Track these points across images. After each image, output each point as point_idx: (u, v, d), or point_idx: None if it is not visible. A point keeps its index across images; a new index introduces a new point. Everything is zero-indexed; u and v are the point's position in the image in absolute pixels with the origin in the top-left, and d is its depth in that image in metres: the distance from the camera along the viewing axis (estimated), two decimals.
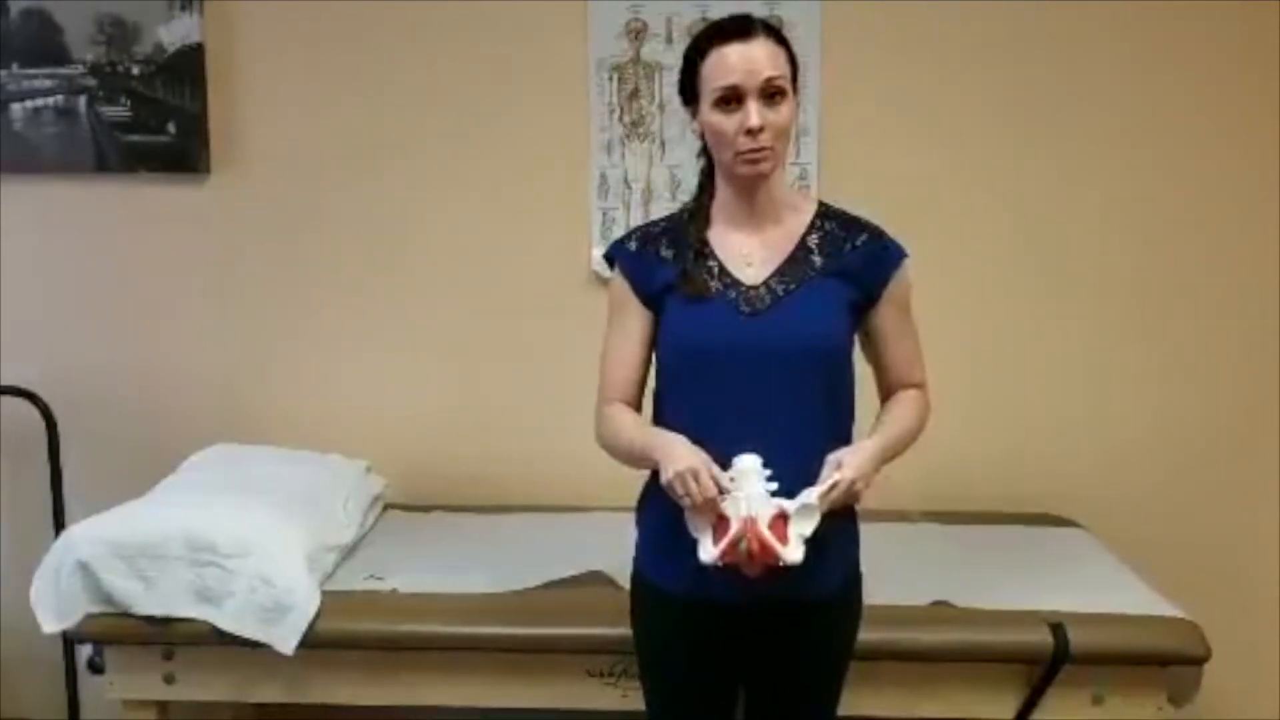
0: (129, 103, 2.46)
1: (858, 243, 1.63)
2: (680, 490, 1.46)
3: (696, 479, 1.45)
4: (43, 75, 2.46)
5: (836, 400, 1.62)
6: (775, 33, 1.58)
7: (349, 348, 2.54)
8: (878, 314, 1.66)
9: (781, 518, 1.47)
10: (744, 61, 1.52)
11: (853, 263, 1.62)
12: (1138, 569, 2.11)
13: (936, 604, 1.93)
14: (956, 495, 2.45)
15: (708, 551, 1.47)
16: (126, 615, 1.91)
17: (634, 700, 1.82)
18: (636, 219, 2.43)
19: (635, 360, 1.63)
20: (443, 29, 2.45)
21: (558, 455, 2.16)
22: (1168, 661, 1.86)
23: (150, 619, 1.90)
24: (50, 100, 2.47)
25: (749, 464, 1.48)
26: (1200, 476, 2.48)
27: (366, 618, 1.92)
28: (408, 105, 2.47)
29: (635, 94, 2.44)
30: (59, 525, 2.40)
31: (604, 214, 2.48)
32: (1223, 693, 2.07)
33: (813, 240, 1.62)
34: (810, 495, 1.48)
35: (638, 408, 1.64)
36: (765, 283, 1.59)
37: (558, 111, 2.46)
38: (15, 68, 2.47)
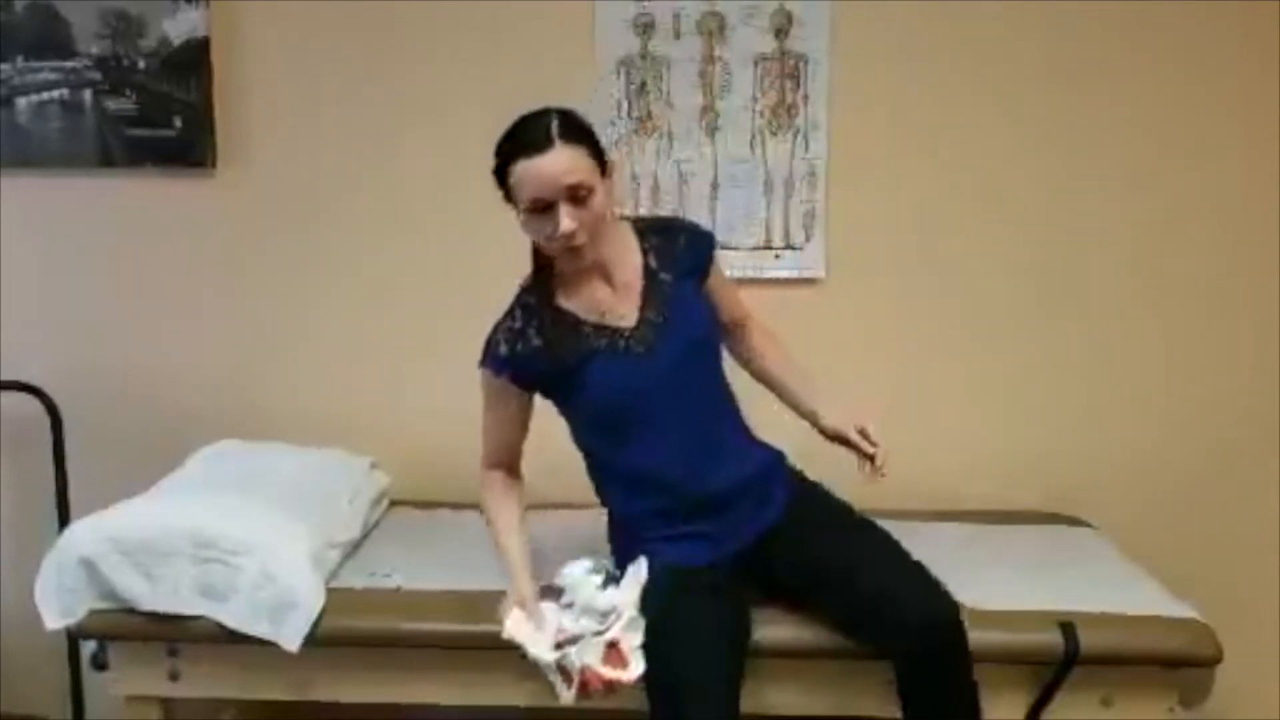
0: (134, 96, 2.45)
1: (681, 242, 1.85)
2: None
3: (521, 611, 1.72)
4: (48, 69, 2.45)
5: (721, 369, 1.88)
6: (573, 132, 1.68)
7: (354, 344, 2.53)
8: (710, 281, 1.90)
9: (613, 646, 1.66)
10: (546, 176, 1.64)
11: (685, 260, 1.83)
12: (1149, 569, 2.09)
13: None
14: (965, 494, 2.43)
15: (566, 698, 1.70)
16: (130, 612, 1.89)
17: (641, 699, 1.80)
18: (644, 214, 2.41)
19: (518, 434, 1.85)
20: (450, 23, 2.44)
21: (563, 452, 2.14)
22: (1179, 663, 1.84)
23: (154, 615, 1.89)
24: (55, 94, 2.46)
25: (577, 576, 1.71)
26: (1212, 476, 2.46)
27: (372, 615, 1.91)
28: (415, 99, 2.46)
29: (643, 89, 2.42)
30: (63, 521, 2.39)
31: (611, 211, 2.45)
32: (1234, 693, 2.05)
33: (652, 262, 1.80)
34: (632, 603, 1.69)
35: (518, 466, 1.90)
36: (640, 320, 1.77)
37: (564, 106, 2.43)
38: (20, 61, 2.46)
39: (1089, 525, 2.36)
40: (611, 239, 1.76)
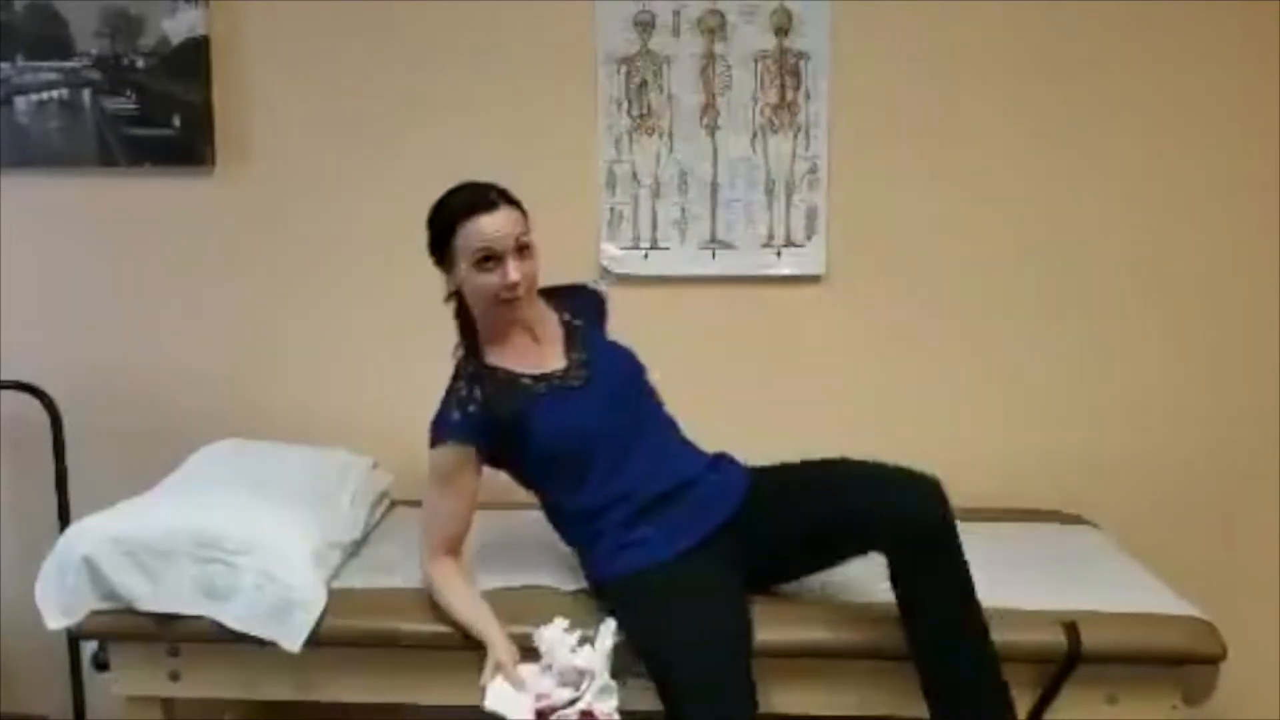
0: (134, 96, 2.45)
1: (581, 297, 2.07)
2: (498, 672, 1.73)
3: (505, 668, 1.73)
4: (47, 68, 2.45)
5: (656, 393, 2.01)
6: (511, 199, 1.88)
7: (355, 342, 2.53)
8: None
9: (587, 715, 1.69)
10: (498, 229, 1.82)
11: (587, 311, 2.05)
12: (1152, 567, 2.08)
13: None
14: (966, 492, 2.33)
15: None
16: (131, 612, 1.89)
17: (644, 700, 1.81)
18: (645, 215, 2.43)
19: (468, 516, 1.90)
20: (450, 21, 2.43)
21: None
22: (1183, 661, 1.83)
23: (155, 616, 1.88)
24: (54, 93, 2.45)
25: (552, 636, 1.73)
26: (1214, 473, 2.45)
27: (373, 615, 1.90)
28: (414, 97, 2.45)
29: (643, 86, 2.42)
30: (64, 521, 2.39)
31: (612, 210, 2.46)
32: (1238, 692, 2.04)
33: (566, 315, 2.01)
34: (604, 668, 1.72)
35: (461, 548, 1.92)
36: (569, 362, 1.93)
37: (565, 105, 2.43)
38: (20, 60, 2.45)
39: (1091, 524, 2.35)
40: (534, 299, 1.95)
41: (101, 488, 2.15)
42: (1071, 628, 1.81)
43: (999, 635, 1.79)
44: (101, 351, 2.53)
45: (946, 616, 1.75)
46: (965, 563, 1.77)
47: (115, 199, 2.50)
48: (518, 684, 1.73)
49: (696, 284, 2.45)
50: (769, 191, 2.43)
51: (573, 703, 1.70)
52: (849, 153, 2.40)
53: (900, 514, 1.76)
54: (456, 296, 1.91)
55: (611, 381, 1.93)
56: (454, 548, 1.91)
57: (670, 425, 1.99)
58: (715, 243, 2.45)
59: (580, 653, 1.74)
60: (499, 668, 1.75)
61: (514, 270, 1.83)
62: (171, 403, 2.52)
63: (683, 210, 2.44)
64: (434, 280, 2.42)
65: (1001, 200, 2.42)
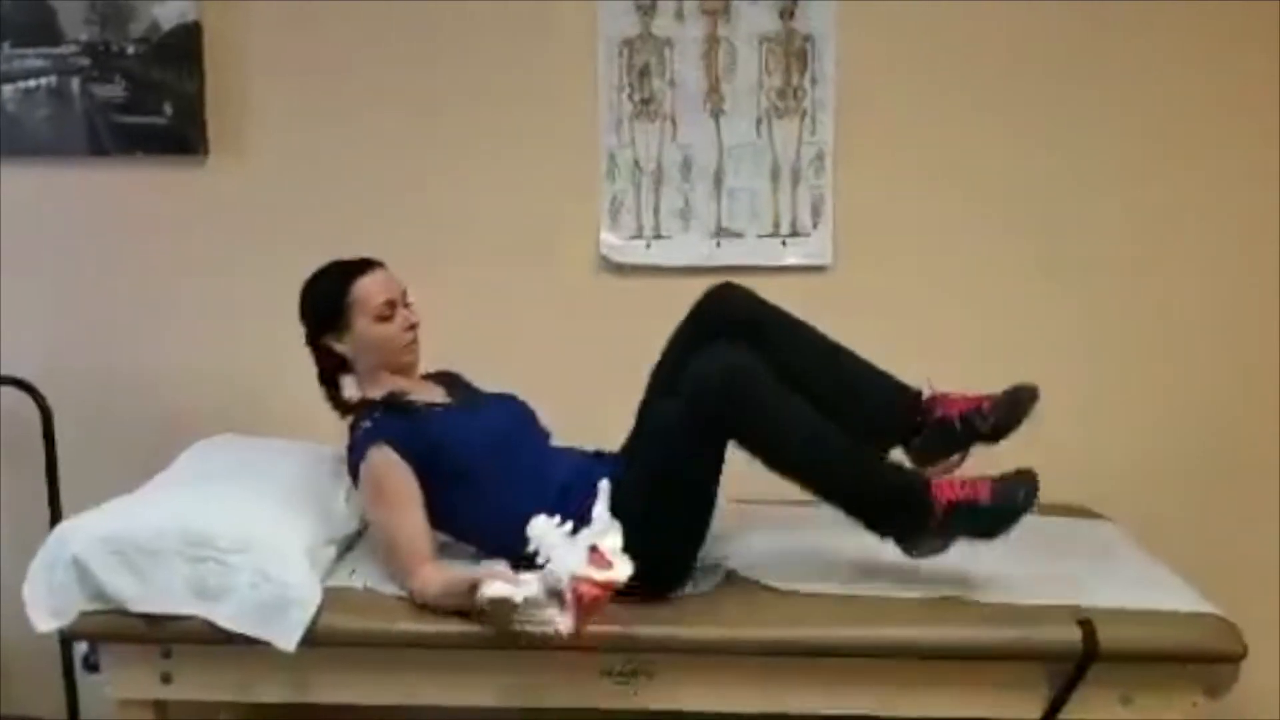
0: (124, 83, 2.41)
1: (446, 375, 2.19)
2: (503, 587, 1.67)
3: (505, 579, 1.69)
4: (34, 55, 2.40)
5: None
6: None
7: None
8: None
9: (594, 550, 1.62)
10: (389, 282, 2.02)
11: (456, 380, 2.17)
12: (1169, 563, 2.04)
13: (950, 599, 1.87)
14: None
15: (567, 626, 1.61)
16: (122, 613, 1.84)
17: (645, 699, 1.80)
18: (647, 203, 2.40)
19: (426, 523, 1.90)
20: (447, 6, 2.39)
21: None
22: (1202, 660, 1.79)
23: (147, 617, 1.84)
24: (42, 81, 2.41)
25: (542, 525, 1.67)
26: (1226, 465, 2.41)
27: (370, 615, 1.86)
28: (410, 84, 2.41)
29: (645, 71, 2.37)
30: (55, 519, 2.35)
31: (613, 197, 2.42)
32: (1259, 691, 2.00)
33: (430, 369, 2.13)
34: (602, 514, 1.67)
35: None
36: (452, 397, 2.07)
37: (564, 90, 2.40)
38: (7, 47, 2.41)
39: (1104, 517, 2.31)
40: None
41: (94, 486, 2.11)
42: (1087, 625, 1.77)
43: (1010, 633, 1.76)
44: (92, 345, 2.50)
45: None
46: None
47: (105, 189, 2.46)
48: (514, 580, 1.69)
49: (700, 274, 2.34)
50: (774, 178, 2.39)
51: (591, 547, 1.63)
52: (856, 138, 2.36)
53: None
54: (329, 370, 2.05)
55: (498, 407, 2.07)
56: (431, 553, 1.89)
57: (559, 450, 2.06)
58: (719, 232, 2.41)
59: (579, 534, 1.67)
60: (493, 577, 1.71)
61: (412, 314, 2.03)
62: (164, 397, 2.49)
63: (686, 199, 2.40)
64: (428, 273, 2.37)
65: (1014, 190, 2.38)
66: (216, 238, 2.47)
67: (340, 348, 2.02)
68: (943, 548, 1.82)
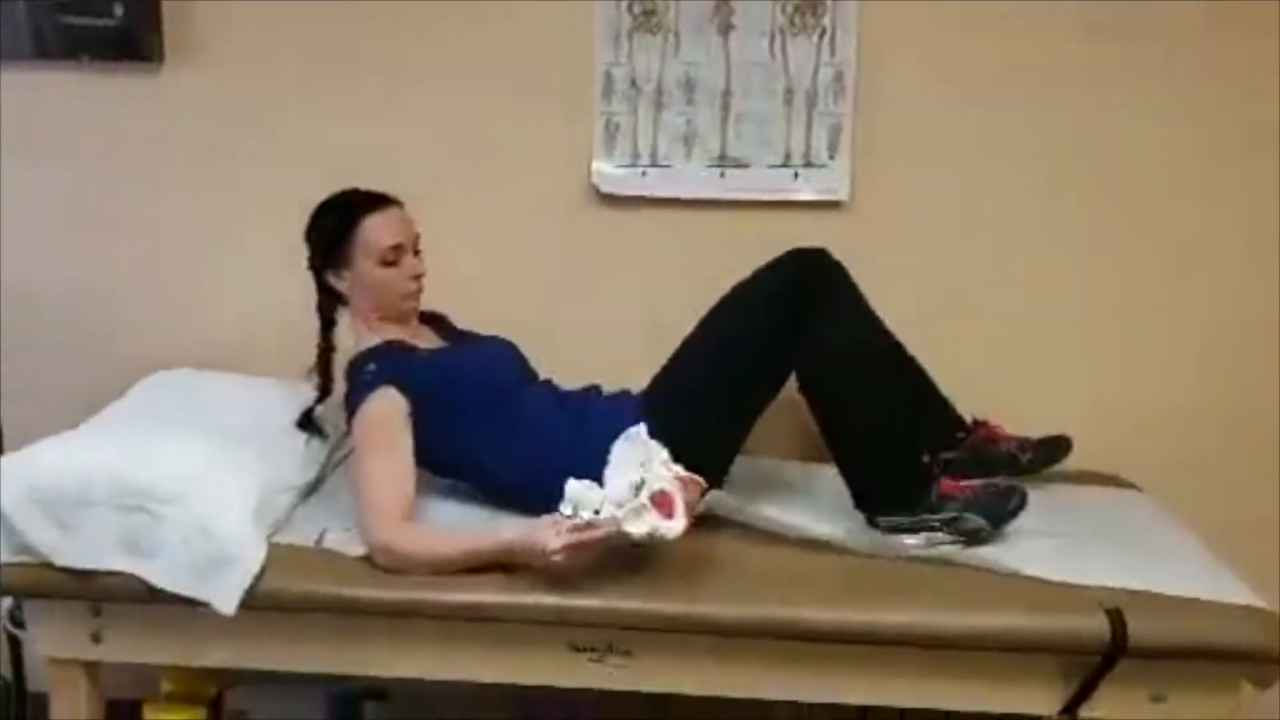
0: None
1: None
2: (578, 551, 1.62)
3: (580, 532, 1.62)
4: None
5: None
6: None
7: None
8: None
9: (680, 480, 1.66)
10: (403, 223, 1.93)
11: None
12: (1206, 542, 1.89)
13: (959, 578, 1.74)
14: None
15: (675, 529, 1.61)
16: (48, 566, 1.71)
17: (621, 679, 1.68)
18: (645, 127, 2.26)
19: (414, 472, 1.82)
20: None
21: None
22: (1243, 657, 1.63)
23: (75, 571, 1.70)
24: None
25: (577, 488, 1.64)
26: (1263, 429, 2.26)
27: (323, 577, 1.71)
28: None
29: None
30: None
31: (608, 120, 2.26)
32: None
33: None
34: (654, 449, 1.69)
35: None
36: (451, 339, 2.05)
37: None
38: None
39: (1131, 485, 2.18)
40: None
41: (38, 424, 1.93)
42: (1116, 615, 1.62)
43: (1027, 621, 1.63)
44: (34, 265, 2.37)
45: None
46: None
47: (51, 97, 2.32)
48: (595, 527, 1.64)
49: (702, 208, 2.28)
50: (788, 103, 2.23)
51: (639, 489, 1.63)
52: (880, 60, 2.21)
53: None
54: (327, 305, 1.97)
55: (500, 345, 2.05)
56: (410, 513, 1.78)
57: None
58: (725, 161, 2.26)
59: (611, 488, 1.65)
60: (570, 529, 1.63)
61: (420, 262, 1.94)
62: (113, 325, 2.37)
63: (688, 123, 2.25)
64: (409, 191, 2.18)
65: (1050, 118, 2.21)
66: (172, 150, 2.33)
67: (338, 284, 1.94)
68: (910, 528, 1.80)
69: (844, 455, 1.84)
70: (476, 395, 1.88)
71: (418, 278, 1.94)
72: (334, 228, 1.91)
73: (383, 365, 1.86)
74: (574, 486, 1.64)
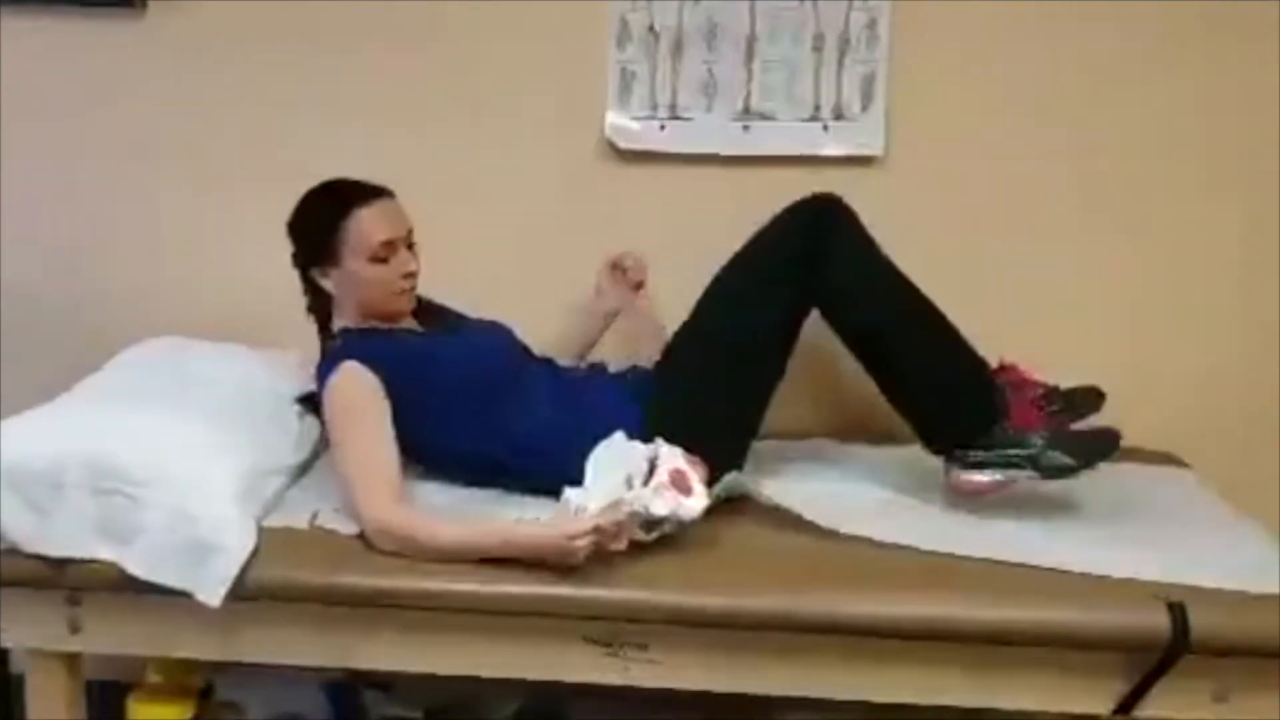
0: None
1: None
2: (599, 538, 1.55)
3: (600, 528, 1.55)
4: None
5: None
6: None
7: None
8: None
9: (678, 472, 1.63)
10: (396, 217, 1.83)
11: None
12: (1266, 525, 1.82)
13: (1003, 566, 1.66)
14: None
15: (699, 503, 1.61)
16: (19, 553, 1.62)
17: (637, 675, 1.61)
18: (663, 76, 2.18)
19: (396, 451, 1.73)
20: None
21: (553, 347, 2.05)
22: None
23: (49, 559, 1.61)
24: None
25: (575, 494, 1.59)
26: None
27: (316, 566, 1.62)
28: None
29: None
30: None
31: (623, 69, 2.18)
32: None
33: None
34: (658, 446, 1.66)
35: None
36: (441, 324, 1.96)
37: None
38: None
39: (1181, 462, 2.11)
40: None
41: (21, 395, 1.88)
42: (1178, 610, 1.53)
43: (1079, 616, 1.55)
44: (15, 227, 2.29)
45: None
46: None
47: (27, 44, 2.23)
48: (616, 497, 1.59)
49: (724, 165, 2.19)
50: (817, 50, 2.15)
51: (650, 472, 1.61)
52: (916, 3, 2.11)
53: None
54: (317, 304, 1.89)
55: (494, 329, 1.98)
56: (400, 491, 1.70)
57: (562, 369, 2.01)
58: (749, 113, 2.18)
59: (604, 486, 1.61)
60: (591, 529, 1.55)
61: (413, 260, 1.85)
62: (97, 288, 2.29)
63: (710, 72, 2.16)
64: (409, 146, 2.19)
65: (1096, 71, 2.12)
66: (157, 102, 2.24)
67: (324, 283, 1.84)
68: (990, 464, 1.74)
69: (902, 386, 1.79)
70: (454, 381, 1.80)
71: (409, 275, 1.84)
72: (320, 223, 1.81)
73: (349, 343, 1.80)
74: (572, 493, 1.60)
